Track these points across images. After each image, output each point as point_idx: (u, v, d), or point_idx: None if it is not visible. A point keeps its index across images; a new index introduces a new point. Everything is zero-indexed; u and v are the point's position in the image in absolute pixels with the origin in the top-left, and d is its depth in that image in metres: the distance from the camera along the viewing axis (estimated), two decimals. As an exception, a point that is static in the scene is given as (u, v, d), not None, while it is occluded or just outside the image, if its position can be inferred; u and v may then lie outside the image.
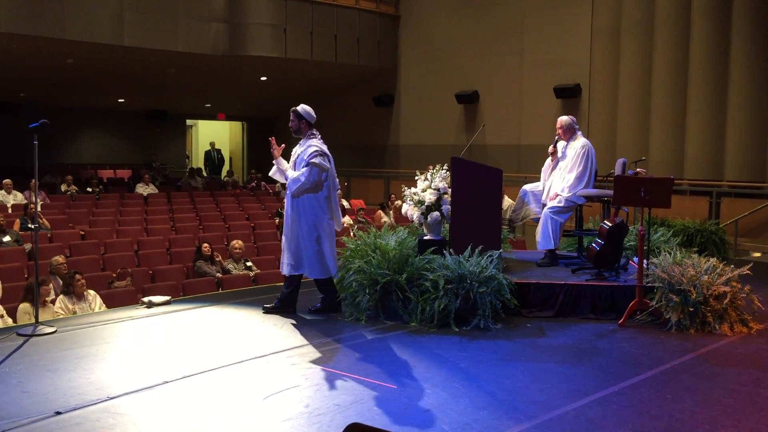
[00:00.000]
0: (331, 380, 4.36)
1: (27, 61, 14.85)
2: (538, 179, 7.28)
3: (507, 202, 9.32)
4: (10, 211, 11.75)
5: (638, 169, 6.76)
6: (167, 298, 6.59)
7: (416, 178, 6.52)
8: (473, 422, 3.71)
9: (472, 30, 16.42)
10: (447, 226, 6.47)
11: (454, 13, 16.82)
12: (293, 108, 5.98)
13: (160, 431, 3.62)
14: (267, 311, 6.11)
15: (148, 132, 22.36)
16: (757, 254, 10.62)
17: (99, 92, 18.84)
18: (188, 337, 5.46)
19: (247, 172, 21.89)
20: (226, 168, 23.22)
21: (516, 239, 10.02)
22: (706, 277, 5.63)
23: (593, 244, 6.29)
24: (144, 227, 11.59)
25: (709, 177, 12.34)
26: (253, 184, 17.31)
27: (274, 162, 6.12)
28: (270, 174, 6.24)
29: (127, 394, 4.10)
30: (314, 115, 6.00)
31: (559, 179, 6.91)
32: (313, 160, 5.79)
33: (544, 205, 6.96)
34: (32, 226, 6.32)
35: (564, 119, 7.02)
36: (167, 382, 4.30)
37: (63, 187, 14.82)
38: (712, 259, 5.93)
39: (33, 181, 5.79)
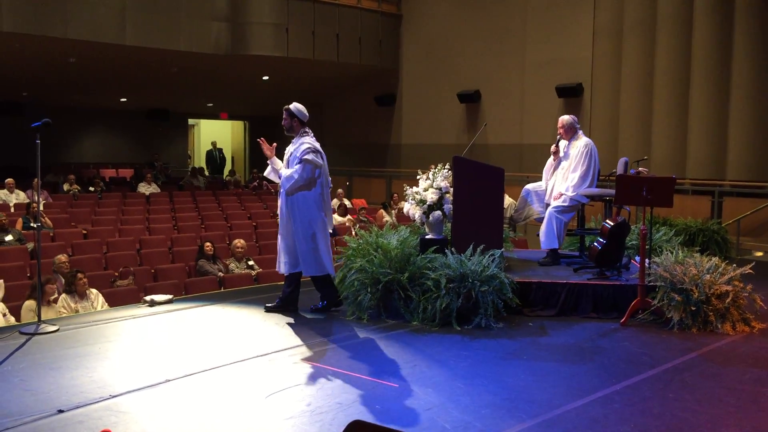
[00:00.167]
0: (332, 379, 4.36)
1: (30, 61, 14.88)
2: (539, 178, 7.28)
3: (507, 200, 9.32)
4: (12, 210, 11.77)
5: (640, 169, 6.77)
6: (169, 296, 6.59)
7: (418, 177, 6.53)
8: (475, 421, 3.72)
9: (474, 29, 16.41)
10: (449, 225, 6.47)
11: (456, 12, 16.81)
12: (286, 106, 5.98)
13: (162, 429, 3.63)
14: (269, 310, 6.11)
15: (150, 131, 22.37)
16: (759, 253, 10.61)
17: (101, 91, 18.86)
18: (190, 335, 5.46)
19: (249, 171, 21.91)
20: (227, 167, 23.24)
21: (518, 238, 10.02)
22: (708, 276, 5.63)
23: (595, 243, 6.29)
24: (146, 226, 11.61)
25: (711, 176, 12.33)
26: (255, 183, 17.33)
27: (268, 162, 6.12)
28: (265, 174, 6.23)
29: (129, 392, 4.10)
30: (307, 114, 5.99)
31: (562, 179, 6.91)
32: (305, 157, 5.79)
33: (548, 204, 6.96)
34: (35, 225, 6.32)
35: (565, 118, 7.02)
36: (169, 381, 4.30)
37: (65, 187, 14.85)
38: (714, 259, 5.93)
39: (35, 180, 5.80)
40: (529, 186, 7.29)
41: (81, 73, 16.17)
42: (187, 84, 18.55)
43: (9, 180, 12.75)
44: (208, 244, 9.35)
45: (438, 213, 6.27)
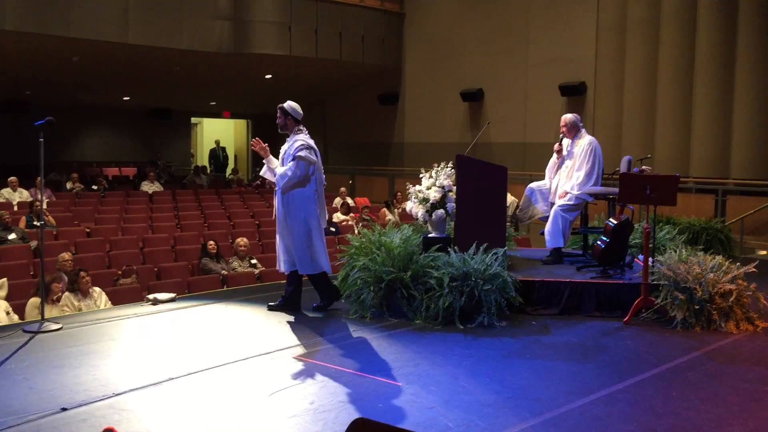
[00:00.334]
0: (335, 377, 4.36)
1: (33, 59, 14.89)
2: (542, 177, 7.27)
3: (510, 199, 9.31)
4: (15, 208, 11.79)
5: (644, 167, 6.76)
6: (172, 295, 6.60)
7: (421, 175, 6.52)
8: (478, 419, 3.71)
9: (477, 28, 16.40)
10: (452, 223, 6.47)
11: (459, 10, 16.79)
12: (279, 105, 5.98)
13: (165, 427, 3.63)
14: (271, 309, 6.11)
15: (153, 130, 22.39)
16: (763, 252, 10.59)
17: (104, 90, 18.87)
18: (193, 334, 5.47)
19: (252, 170, 21.93)
20: (230, 166, 23.26)
21: (521, 237, 10.01)
22: (711, 274, 5.61)
23: (598, 242, 6.28)
24: (149, 225, 11.62)
25: (715, 175, 12.30)
26: (258, 182, 17.33)
27: (264, 161, 6.12)
28: (261, 173, 6.21)
29: (132, 390, 4.11)
30: (301, 112, 5.99)
31: (566, 177, 6.90)
32: (299, 154, 5.79)
33: (552, 203, 6.95)
34: (38, 224, 6.33)
35: (568, 117, 7.01)
36: (172, 379, 4.31)
37: (68, 185, 14.87)
38: (717, 257, 5.91)
39: (38, 178, 5.81)
40: (533, 185, 7.28)
41: (84, 71, 16.18)
42: (190, 82, 18.56)
43: (12, 178, 12.77)
44: (211, 242, 9.36)
45: (441, 211, 6.26)
